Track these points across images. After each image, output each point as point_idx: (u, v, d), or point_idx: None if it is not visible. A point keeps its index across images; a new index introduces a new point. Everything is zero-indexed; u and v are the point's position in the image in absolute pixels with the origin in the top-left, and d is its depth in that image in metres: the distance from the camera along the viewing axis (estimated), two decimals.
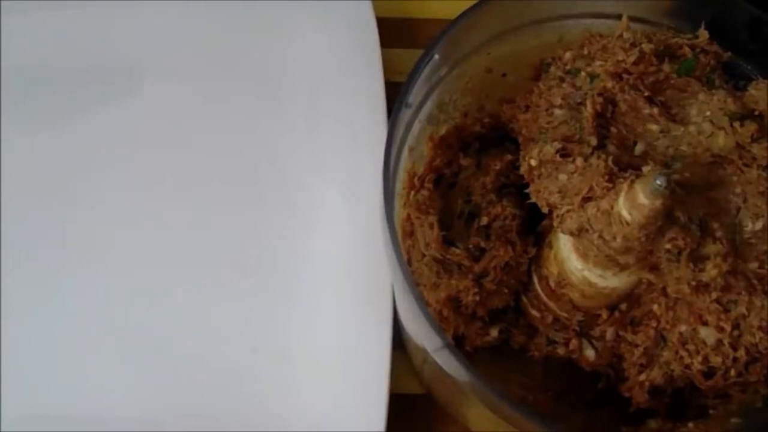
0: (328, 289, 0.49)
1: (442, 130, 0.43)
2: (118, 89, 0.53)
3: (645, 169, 0.36)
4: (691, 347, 0.37)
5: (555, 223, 0.38)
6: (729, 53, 0.41)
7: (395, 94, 0.39)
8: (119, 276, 0.49)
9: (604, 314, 0.40)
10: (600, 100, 0.39)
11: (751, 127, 0.38)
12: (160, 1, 0.54)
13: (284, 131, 0.53)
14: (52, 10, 0.54)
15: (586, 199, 0.36)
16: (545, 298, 0.42)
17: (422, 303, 0.35)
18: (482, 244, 0.42)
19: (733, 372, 0.37)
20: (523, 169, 0.39)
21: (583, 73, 0.40)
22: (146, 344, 0.48)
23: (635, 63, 0.39)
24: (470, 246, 0.42)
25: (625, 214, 0.34)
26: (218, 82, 0.54)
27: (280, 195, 0.51)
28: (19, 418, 0.46)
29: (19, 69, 0.53)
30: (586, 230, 0.36)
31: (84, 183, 0.51)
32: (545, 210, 0.38)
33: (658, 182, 0.33)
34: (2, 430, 0.46)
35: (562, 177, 0.37)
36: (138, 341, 0.48)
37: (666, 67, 0.40)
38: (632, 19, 0.41)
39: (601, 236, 0.36)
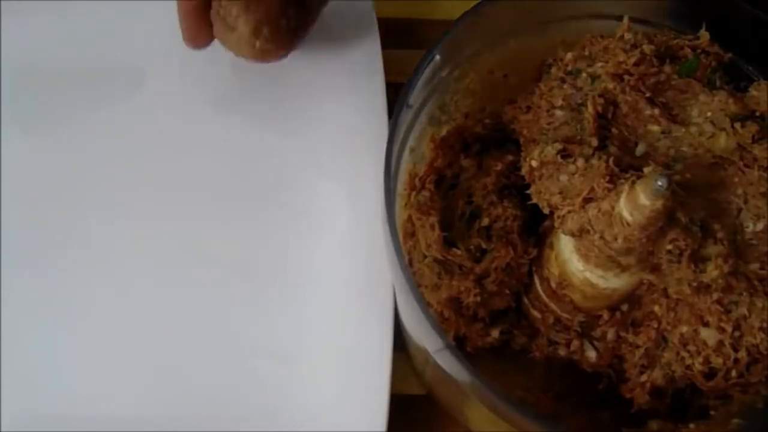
0: (329, 289, 0.49)
1: (444, 131, 0.43)
2: (118, 89, 0.53)
3: (646, 170, 0.36)
4: (692, 348, 0.37)
5: (556, 224, 0.38)
6: (730, 54, 0.41)
7: (396, 94, 0.39)
8: (119, 276, 0.49)
9: (606, 315, 0.40)
10: (601, 101, 0.39)
11: (752, 128, 0.38)
12: (161, 1, 0.54)
13: (284, 131, 0.53)
14: (52, 10, 0.54)
15: (587, 200, 0.36)
16: (546, 299, 0.42)
17: (423, 304, 0.35)
18: (483, 245, 0.42)
19: (734, 373, 0.37)
20: (524, 170, 0.39)
21: (584, 74, 0.40)
22: (146, 344, 0.48)
23: (636, 64, 0.39)
24: (471, 247, 0.42)
25: (626, 215, 0.34)
26: (218, 81, 0.54)
27: (280, 195, 0.51)
28: (19, 418, 0.46)
29: (19, 69, 0.53)
30: (587, 231, 0.36)
31: (84, 183, 0.51)
32: (546, 211, 0.38)
33: (659, 183, 0.33)
34: (2, 430, 0.46)
35: (563, 178, 0.37)
36: (138, 341, 0.48)
37: (667, 68, 0.40)
38: (633, 20, 0.41)
39: (602, 237, 0.36)
